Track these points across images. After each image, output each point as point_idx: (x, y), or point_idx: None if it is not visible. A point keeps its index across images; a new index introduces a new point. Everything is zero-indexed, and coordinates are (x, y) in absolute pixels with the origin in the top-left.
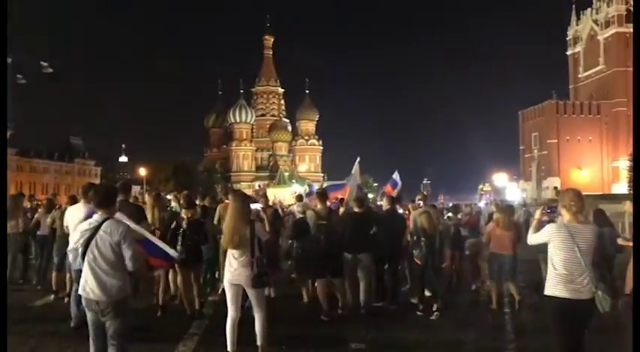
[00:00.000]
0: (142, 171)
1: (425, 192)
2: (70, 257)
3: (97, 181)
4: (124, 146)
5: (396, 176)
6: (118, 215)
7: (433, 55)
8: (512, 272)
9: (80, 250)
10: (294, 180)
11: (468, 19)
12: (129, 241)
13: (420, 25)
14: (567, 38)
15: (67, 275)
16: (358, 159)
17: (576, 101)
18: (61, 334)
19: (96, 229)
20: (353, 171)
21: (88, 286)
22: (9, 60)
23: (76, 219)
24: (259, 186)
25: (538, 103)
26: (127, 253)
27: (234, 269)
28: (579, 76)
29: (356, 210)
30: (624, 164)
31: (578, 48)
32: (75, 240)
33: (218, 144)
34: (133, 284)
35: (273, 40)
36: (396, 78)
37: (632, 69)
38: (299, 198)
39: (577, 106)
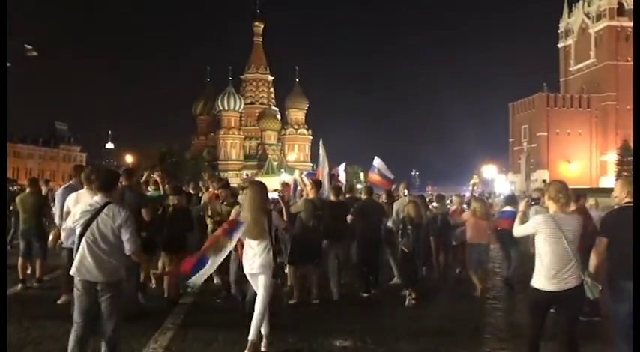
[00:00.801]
0: (129, 158)
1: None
2: (63, 235)
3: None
4: (110, 132)
5: (376, 162)
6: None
7: (424, 45)
8: (488, 260)
9: (79, 230)
10: (282, 170)
11: (459, 10)
12: (129, 225)
13: (410, 15)
14: (559, 31)
15: (38, 262)
16: (321, 141)
17: (567, 94)
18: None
19: (98, 211)
20: (320, 155)
21: (84, 267)
22: None
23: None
24: (247, 175)
25: (529, 96)
26: (126, 236)
27: (250, 257)
28: (570, 69)
29: (332, 198)
30: (612, 158)
31: (570, 41)
32: (75, 220)
33: (206, 132)
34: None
35: (263, 26)
36: (386, 68)
37: (622, 63)
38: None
39: (567, 99)
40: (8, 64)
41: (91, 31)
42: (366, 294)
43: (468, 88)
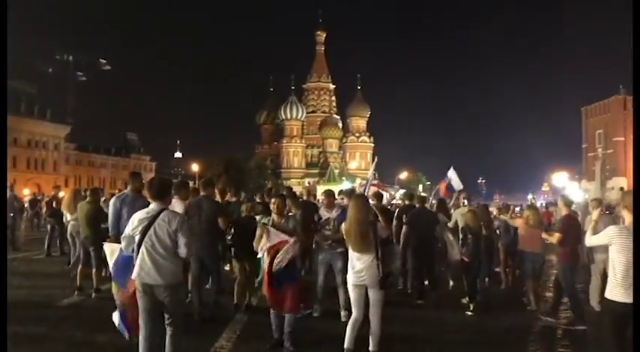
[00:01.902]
0: (195, 167)
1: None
2: (124, 243)
3: (152, 176)
4: (178, 142)
5: (451, 173)
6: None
7: (492, 47)
8: (542, 271)
9: (137, 237)
10: (344, 178)
11: (530, 13)
12: (185, 230)
13: (478, 17)
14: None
15: (93, 271)
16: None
17: None
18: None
19: (154, 218)
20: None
21: (143, 271)
22: (70, 58)
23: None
24: (309, 183)
25: (603, 99)
26: (182, 240)
27: (358, 270)
28: None
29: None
30: None
31: None
32: (133, 227)
33: (269, 141)
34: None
35: (325, 35)
36: (452, 72)
37: None
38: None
39: None
40: (83, 78)
41: (159, 44)
42: (419, 301)
43: (538, 92)
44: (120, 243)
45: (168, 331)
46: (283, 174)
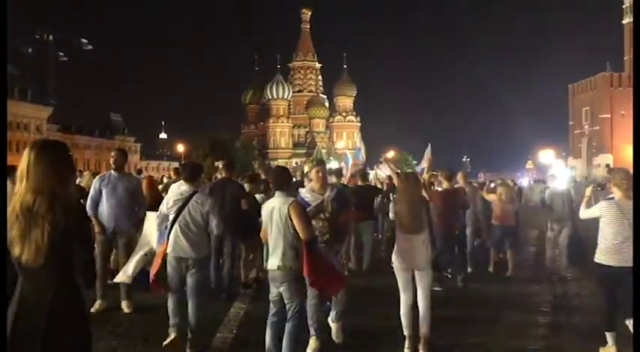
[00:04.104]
0: (180, 148)
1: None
2: (159, 221)
3: (137, 157)
4: (163, 123)
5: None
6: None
7: (477, 25)
8: (515, 242)
9: (172, 216)
10: (331, 158)
11: None
12: (216, 211)
13: None
14: (623, 6)
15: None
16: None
17: (632, 73)
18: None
19: (187, 199)
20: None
21: (178, 246)
22: (50, 37)
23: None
24: (297, 163)
25: (590, 76)
26: (214, 221)
27: (408, 252)
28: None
29: (360, 183)
30: None
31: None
32: (168, 207)
33: (255, 121)
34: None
35: (310, 13)
36: (438, 50)
37: None
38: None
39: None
40: (65, 58)
41: (142, 23)
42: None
43: (524, 70)
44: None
45: (191, 299)
46: (270, 155)
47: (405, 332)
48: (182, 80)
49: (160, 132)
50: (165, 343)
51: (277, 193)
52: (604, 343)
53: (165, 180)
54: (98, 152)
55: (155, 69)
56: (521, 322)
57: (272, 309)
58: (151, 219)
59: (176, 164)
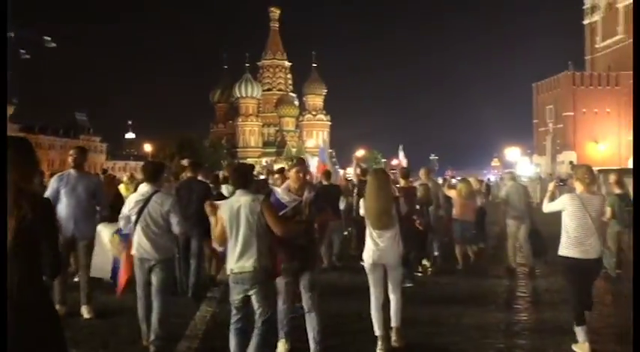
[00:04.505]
0: (148, 147)
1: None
2: (122, 223)
3: (103, 157)
4: (130, 122)
5: (400, 152)
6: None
7: (444, 26)
8: (474, 236)
9: (133, 218)
10: (301, 156)
11: None
12: (176, 210)
13: None
14: (584, 7)
15: None
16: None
17: (594, 72)
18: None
19: (147, 199)
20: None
21: (141, 247)
22: (11, 34)
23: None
24: (266, 162)
25: (553, 75)
26: (175, 220)
27: (379, 248)
28: (596, 46)
29: (324, 182)
30: None
31: (596, 17)
32: (129, 208)
33: (224, 120)
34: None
35: (279, 12)
36: (407, 50)
37: None
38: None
39: (595, 78)
40: (27, 56)
41: (108, 21)
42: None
43: (490, 70)
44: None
45: (156, 300)
46: (239, 154)
47: (377, 333)
48: (150, 79)
49: (127, 132)
50: None
51: (239, 192)
52: (575, 340)
53: (125, 179)
54: (63, 152)
55: (122, 67)
56: (492, 319)
57: (235, 315)
58: (104, 231)
59: (142, 164)
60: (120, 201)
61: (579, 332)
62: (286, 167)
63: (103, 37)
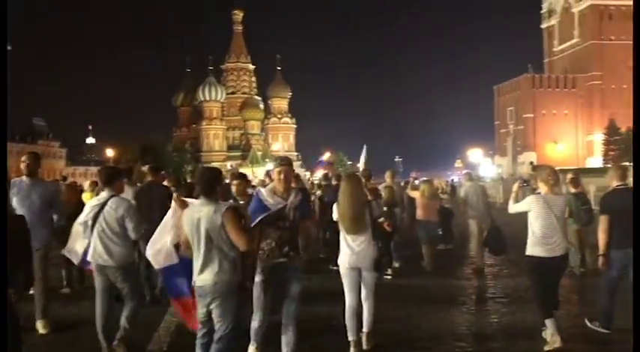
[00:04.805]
0: (109, 152)
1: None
2: (81, 229)
3: (63, 163)
4: (91, 127)
5: (364, 152)
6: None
7: (407, 29)
8: (438, 236)
9: (89, 223)
10: (267, 160)
11: None
12: (132, 215)
13: (394, 1)
14: (542, 11)
15: None
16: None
17: (552, 75)
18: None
19: (103, 205)
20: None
21: (96, 253)
22: None
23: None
24: (231, 166)
25: (514, 77)
26: (130, 225)
27: (353, 253)
28: (554, 49)
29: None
30: (599, 137)
31: (553, 21)
32: (85, 214)
33: (187, 124)
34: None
35: (242, 14)
36: (371, 53)
37: (606, 42)
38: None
39: (553, 80)
40: None
41: (67, 23)
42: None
43: (453, 72)
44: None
45: (125, 306)
46: (204, 158)
47: (350, 338)
48: (111, 83)
49: (88, 137)
50: None
51: (202, 200)
52: (544, 342)
53: (86, 186)
54: (19, 159)
55: (82, 71)
56: (464, 322)
57: (201, 330)
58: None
59: None
60: (82, 210)
61: (549, 324)
62: (251, 173)
63: (63, 39)
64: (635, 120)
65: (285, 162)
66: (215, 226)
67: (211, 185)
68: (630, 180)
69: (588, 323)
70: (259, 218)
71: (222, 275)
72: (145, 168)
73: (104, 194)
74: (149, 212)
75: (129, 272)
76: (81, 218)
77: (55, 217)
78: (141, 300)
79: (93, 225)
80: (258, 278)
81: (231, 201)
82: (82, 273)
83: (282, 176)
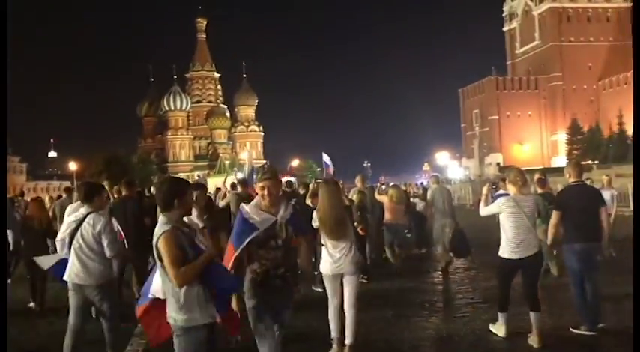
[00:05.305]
0: (73, 166)
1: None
2: (58, 246)
3: (24, 178)
4: (52, 140)
5: (325, 158)
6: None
7: (373, 34)
8: (407, 239)
9: (67, 240)
10: (235, 168)
11: None
12: (108, 231)
13: (361, 6)
14: (503, 14)
15: None
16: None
17: (515, 77)
18: None
19: (81, 221)
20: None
21: (73, 272)
22: None
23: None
24: (198, 176)
25: (478, 80)
26: (105, 242)
27: (336, 259)
28: (516, 51)
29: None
30: (562, 137)
31: (514, 24)
32: (63, 230)
33: (153, 134)
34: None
35: (205, 22)
36: (335, 59)
37: (566, 43)
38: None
39: (516, 82)
40: None
41: (24, 34)
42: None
43: (418, 76)
44: None
45: (104, 326)
46: (170, 168)
47: (333, 335)
48: (72, 94)
49: (49, 151)
50: None
51: (161, 217)
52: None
53: (48, 201)
54: None
55: (42, 83)
56: (447, 328)
57: None
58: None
59: (68, 183)
60: (51, 226)
61: (500, 317)
62: (221, 182)
63: (20, 48)
64: (635, 120)
65: (267, 176)
66: (155, 250)
67: (169, 197)
68: (586, 177)
69: (574, 331)
70: (247, 240)
71: (172, 312)
72: (105, 183)
73: (83, 210)
74: (124, 227)
75: (107, 291)
76: (60, 234)
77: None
78: (117, 321)
79: (70, 242)
80: (250, 304)
81: (193, 216)
82: (44, 288)
83: (265, 192)
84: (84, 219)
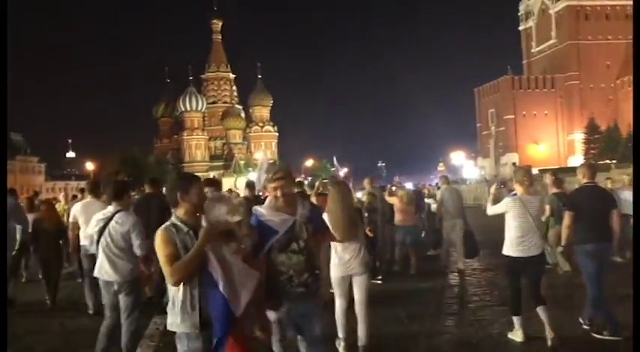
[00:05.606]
0: (90, 166)
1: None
2: (87, 243)
3: (42, 178)
4: (70, 141)
5: (336, 162)
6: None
7: (388, 34)
8: (422, 240)
9: (95, 237)
10: (250, 168)
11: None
12: (137, 230)
13: (373, 3)
14: (519, 13)
15: None
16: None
17: (531, 76)
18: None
19: (109, 219)
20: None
21: (103, 269)
22: None
23: (90, 213)
24: (214, 176)
25: (494, 79)
26: (136, 241)
27: (345, 260)
28: (532, 50)
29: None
30: (579, 137)
31: (530, 22)
32: (91, 227)
33: (169, 134)
34: None
35: (221, 24)
36: (349, 59)
37: (583, 42)
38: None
39: (532, 81)
40: None
41: (43, 34)
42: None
43: (433, 76)
44: None
45: (122, 320)
46: (186, 168)
47: (340, 334)
48: (90, 95)
49: (67, 151)
50: None
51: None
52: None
53: (62, 201)
54: None
55: (60, 84)
56: (463, 332)
57: None
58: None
59: (84, 184)
60: (62, 226)
61: (515, 321)
62: (234, 183)
63: (39, 52)
64: (635, 120)
65: (279, 175)
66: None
67: (173, 196)
68: (599, 179)
69: (597, 336)
70: (269, 244)
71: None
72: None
73: (110, 208)
74: (147, 225)
75: (133, 287)
76: (88, 231)
77: (17, 227)
78: (140, 317)
79: (98, 240)
80: (273, 317)
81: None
82: (56, 287)
83: (278, 193)
84: (112, 216)
